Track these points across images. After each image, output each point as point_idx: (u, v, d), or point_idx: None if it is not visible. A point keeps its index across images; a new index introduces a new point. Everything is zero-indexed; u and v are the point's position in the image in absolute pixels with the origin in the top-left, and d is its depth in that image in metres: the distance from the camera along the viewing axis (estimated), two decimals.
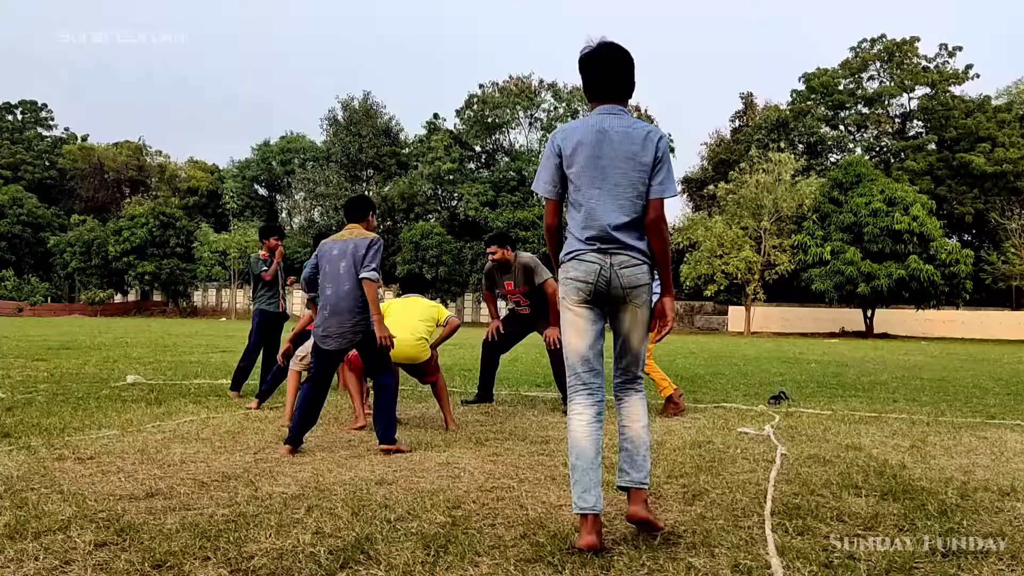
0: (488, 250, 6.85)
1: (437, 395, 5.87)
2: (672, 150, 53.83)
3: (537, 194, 3.11)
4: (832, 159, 48.77)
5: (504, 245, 6.75)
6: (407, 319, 5.76)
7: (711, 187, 42.97)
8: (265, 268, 7.33)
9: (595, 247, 2.90)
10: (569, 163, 2.95)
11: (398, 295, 6.36)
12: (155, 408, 6.35)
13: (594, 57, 2.99)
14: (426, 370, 5.90)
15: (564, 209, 3.09)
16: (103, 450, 4.47)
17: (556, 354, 6.53)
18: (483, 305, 37.95)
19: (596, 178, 2.91)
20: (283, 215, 62.65)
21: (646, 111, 51.96)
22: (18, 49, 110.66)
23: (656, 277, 3.07)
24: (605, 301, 2.96)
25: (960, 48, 47.12)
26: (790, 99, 50.73)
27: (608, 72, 2.98)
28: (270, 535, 2.89)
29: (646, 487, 2.90)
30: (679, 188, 3.14)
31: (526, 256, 6.79)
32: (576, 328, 2.95)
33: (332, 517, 3.14)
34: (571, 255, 2.94)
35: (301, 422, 4.58)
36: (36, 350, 13.46)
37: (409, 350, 5.65)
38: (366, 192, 56.06)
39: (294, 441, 4.54)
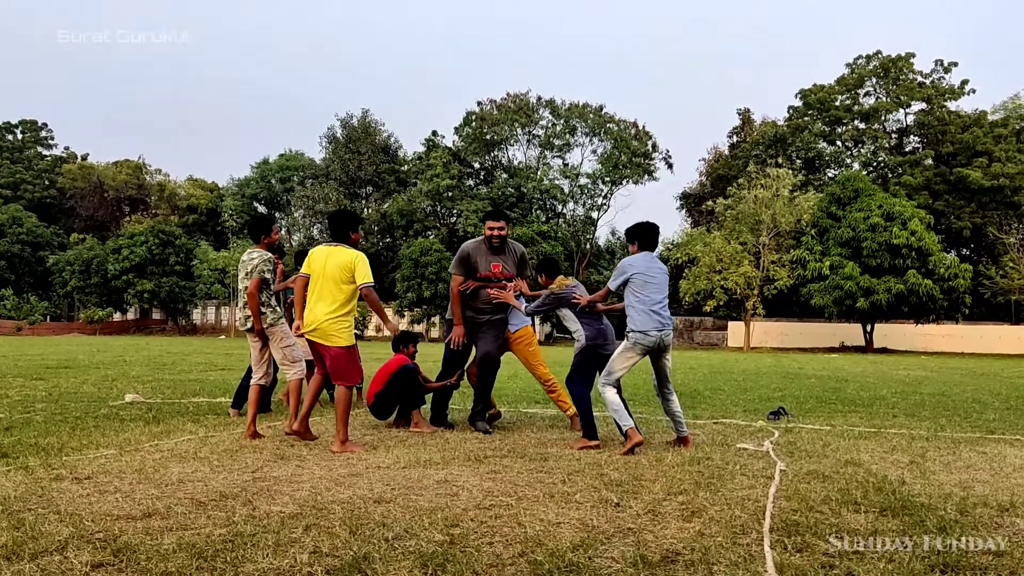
0: (496, 225, 6.15)
1: (335, 403, 5.27)
2: (670, 166, 54.53)
3: (611, 288, 5.55)
4: (830, 174, 48.92)
5: (510, 221, 6.36)
6: (323, 281, 5.20)
7: (709, 203, 43.11)
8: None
9: (655, 324, 5.39)
10: (633, 279, 5.43)
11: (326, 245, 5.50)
12: (153, 427, 6.34)
13: (645, 229, 5.66)
14: (338, 362, 5.23)
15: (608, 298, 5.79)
16: (100, 470, 4.47)
17: (482, 372, 6.32)
18: None
19: (650, 287, 5.45)
20: (283, 232, 62.77)
21: (644, 127, 52.25)
22: (19, 65, 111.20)
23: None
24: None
25: (955, 64, 47.37)
26: (787, 115, 51.00)
27: (652, 238, 5.69)
28: (267, 555, 2.89)
29: (687, 434, 5.61)
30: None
31: (514, 242, 6.51)
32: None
33: (330, 536, 3.13)
34: (640, 331, 5.38)
35: (591, 419, 5.63)
36: (34, 369, 13.44)
37: (319, 327, 5.16)
38: (365, 209, 56.23)
39: (592, 436, 5.57)
